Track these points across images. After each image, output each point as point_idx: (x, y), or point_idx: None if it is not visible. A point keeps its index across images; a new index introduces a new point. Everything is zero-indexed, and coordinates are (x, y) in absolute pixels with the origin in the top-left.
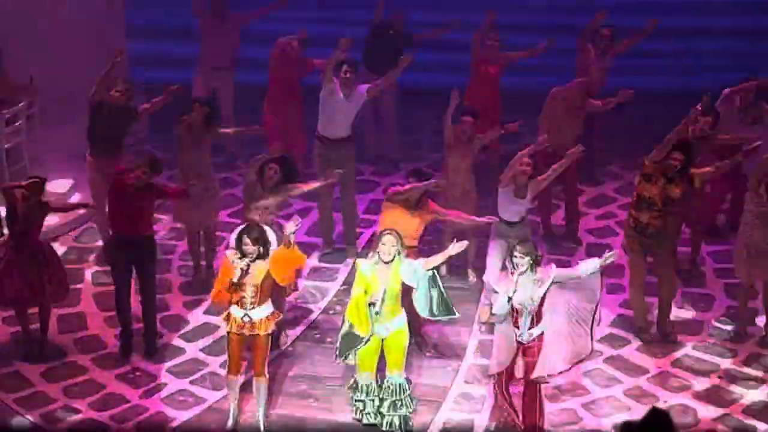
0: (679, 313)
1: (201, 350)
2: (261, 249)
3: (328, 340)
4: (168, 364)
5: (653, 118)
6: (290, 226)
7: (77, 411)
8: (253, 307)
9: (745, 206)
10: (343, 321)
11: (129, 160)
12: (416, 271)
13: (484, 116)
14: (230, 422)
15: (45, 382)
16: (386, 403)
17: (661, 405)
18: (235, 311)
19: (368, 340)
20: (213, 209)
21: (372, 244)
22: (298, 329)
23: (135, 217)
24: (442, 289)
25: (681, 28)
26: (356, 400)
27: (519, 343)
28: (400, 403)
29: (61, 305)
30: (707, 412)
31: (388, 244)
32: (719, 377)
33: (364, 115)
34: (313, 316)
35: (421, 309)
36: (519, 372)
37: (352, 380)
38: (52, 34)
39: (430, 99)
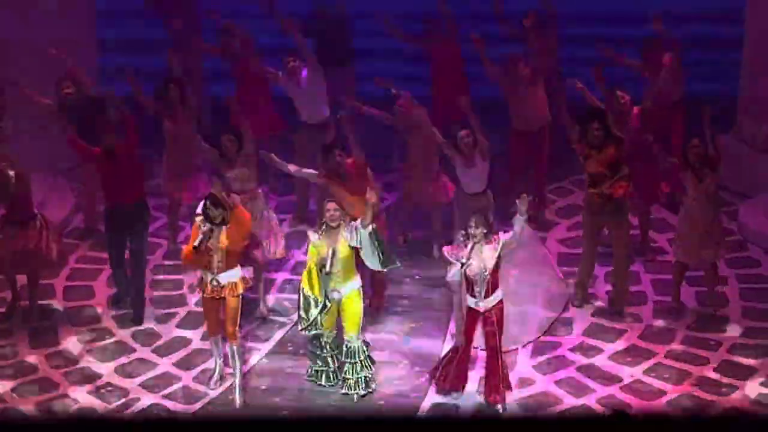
0: (652, 322)
1: (174, 364)
2: (224, 213)
3: (301, 351)
4: (140, 379)
5: None
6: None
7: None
8: (221, 271)
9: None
10: (299, 291)
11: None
12: (356, 229)
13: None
14: (215, 377)
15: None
16: (346, 366)
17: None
18: (205, 275)
19: (324, 305)
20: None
21: (317, 215)
22: (271, 342)
23: (125, 184)
24: (382, 242)
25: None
26: (313, 353)
27: (477, 312)
28: (359, 365)
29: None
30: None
31: (331, 209)
32: (692, 384)
33: None
34: (285, 329)
35: (371, 264)
36: (479, 341)
37: (314, 343)
38: (24, 50)
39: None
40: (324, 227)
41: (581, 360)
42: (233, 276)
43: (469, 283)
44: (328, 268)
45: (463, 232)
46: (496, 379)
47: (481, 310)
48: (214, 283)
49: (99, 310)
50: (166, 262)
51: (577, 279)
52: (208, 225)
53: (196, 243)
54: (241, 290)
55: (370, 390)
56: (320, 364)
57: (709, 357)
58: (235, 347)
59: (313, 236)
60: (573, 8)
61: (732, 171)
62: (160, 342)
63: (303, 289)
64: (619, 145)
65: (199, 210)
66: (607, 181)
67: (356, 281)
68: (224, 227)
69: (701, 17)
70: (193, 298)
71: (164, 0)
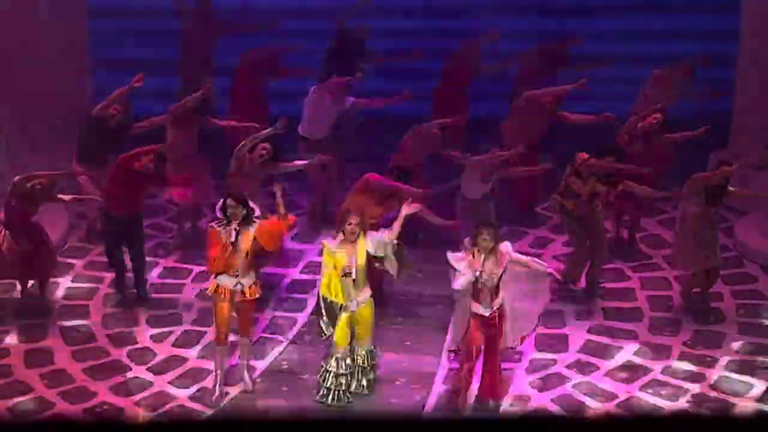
0: (649, 338)
1: (169, 383)
2: (245, 211)
3: (297, 371)
4: (136, 398)
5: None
6: (277, 190)
7: None
8: (244, 275)
9: (681, 209)
10: (318, 299)
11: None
12: (381, 241)
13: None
14: (216, 392)
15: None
16: (356, 371)
17: None
18: (226, 280)
19: (342, 307)
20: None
21: (337, 223)
22: (267, 360)
23: (132, 199)
24: (406, 255)
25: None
26: (326, 371)
27: (482, 317)
28: (369, 368)
29: (29, 342)
30: None
31: (353, 224)
32: (688, 401)
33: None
34: (281, 347)
35: (394, 273)
36: (480, 342)
37: (329, 362)
38: (17, 66)
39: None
40: (343, 235)
41: (577, 377)
42: (252, 278)
43: (476, 291)
44: (354, 275)
45: (469, 239)
46: (494, 379)
47: (488, 315)
48: (238, 287)
49: (94, 329)
50: (161, 281)
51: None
52: (233, 231)
53: (232, 239)
54: (259, 292)
55: (372, 391)
56: (332, 382)
57: (706, 373)
58: (247, 343)
59: (330, 244)
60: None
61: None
62: (155, 360)
63: (324, 297)
64: (612, 186)
65: (218, 214)
66: (579, 202)
67: (368, 290)
68: (248, 228)
69: (695, 35)
70: (190, 317)
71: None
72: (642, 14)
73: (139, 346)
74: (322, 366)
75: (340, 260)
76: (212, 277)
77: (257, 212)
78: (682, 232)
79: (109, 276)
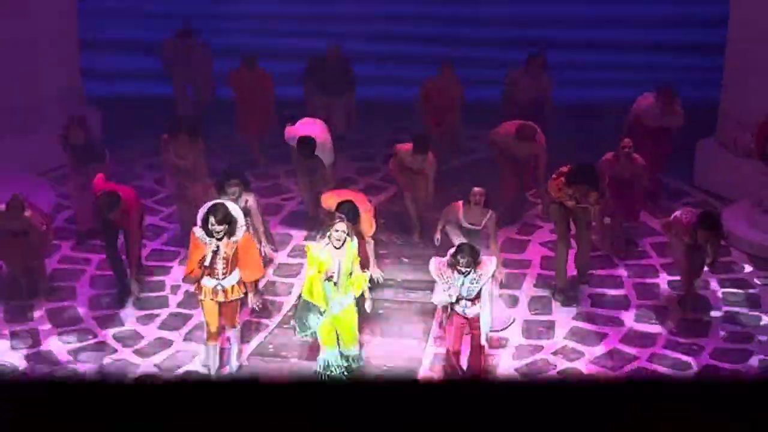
0: (635, 326)
1: (155, 366)
2: (228, 227)
3: (283, 353)
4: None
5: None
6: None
7: None
8: (225, 277)
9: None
10: (299, 300)
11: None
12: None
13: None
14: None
15: None
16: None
17: None
18: (207, 282)
19: (324, 312)
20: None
21: (322, 227)
22: (253, 343)
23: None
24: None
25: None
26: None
27: (465, 318)
28: (356, 365)
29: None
30: None
31: (340, 231)
32: None
33: None
34: (267, 331)
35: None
36: (464, 344)
37: (318, 363)
38: (4, 45)
39: (381, 112)
40: (328, 240)
41: (563, 363)
42: (234, 279)
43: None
44: (336, 279)
45: (452, 253)
46: (478, 373)
47: (469, 316)
48: (219, 288)
49: (81, 311)
50: (148, 263)
51: (555, 269)
52: (214, 242)
53: (206, 263)
54: (243, 291)
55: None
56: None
57: (691, 362)
58: (235, 331)
59: (315, 247)
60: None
61: (714, 176)
62: (142, 343)
63: (303, 297)
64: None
65: (199, 221)
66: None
67: (352, 294)
68: (231, 239)
69: (684, 23)
70: (176, 299)
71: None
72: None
73: (126, 328)
74: (317, 371)
75: (325, 264)
76: None
77: (240, 220)
78: (674, 258)
79: (96, 258)
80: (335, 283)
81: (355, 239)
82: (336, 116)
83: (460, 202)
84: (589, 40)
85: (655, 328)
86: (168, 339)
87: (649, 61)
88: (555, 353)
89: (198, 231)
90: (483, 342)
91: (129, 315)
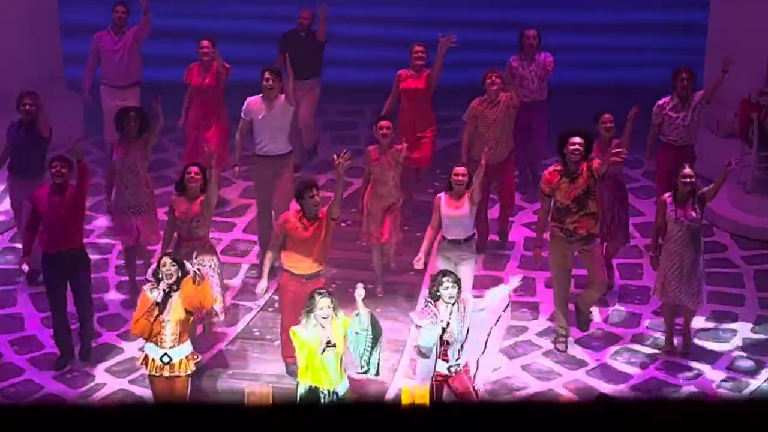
0: (618, 306)
1: (140, 349)
2: (180, 273)
3: (268, 337)
4: (107, 364)
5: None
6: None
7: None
8: (173, 346)
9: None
10: (297, 387)
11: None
12: (360, 320)
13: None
14: None
15: None
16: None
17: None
18: (153, 351)
19: (336, 394)
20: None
21: (306, 306)
22: (238, 326)
23: (67, 231)
24: (379, 348)
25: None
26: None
27: (446, 376)
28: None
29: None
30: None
31: (324, 308)
32: (657, 369)
33: None
34: (251, 314)
35: (356, 358)
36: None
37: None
38: None
39: (363, 94)
40: (315, 321)
41: (548, 345)
42: (184, 351)
43: (442, 346)
44: (333, 343)
45: (428, 292)
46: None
47: (453, 372)
48: (165, 359)
49: None
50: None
51: (554, 308)
52: (161, 291)
53: (152, 318)
54: (192, 368)
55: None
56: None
57: (675, 341)
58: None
59: (300, 331)
60: None
61: (698, 156)
62: (126, 327)
63: (302, 385)
64: (591, 175)
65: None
66: (572, 215)
67: (347, 381)
68: (177, 294)
69: (665, 3)
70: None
71: None
72: None
73: (108, 312)
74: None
75: (314, 345)
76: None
77: (190, 272)
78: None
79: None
80: (333, 345)
81: (342, 315)
82: (303, 105)
83: (441, 194)
84: (569, 23)
85: (639, 308)
86: None
87: (628, 42)
88: (539, 334)
89: (146, 287)
90: (476, 387)
91: (113, 299)
